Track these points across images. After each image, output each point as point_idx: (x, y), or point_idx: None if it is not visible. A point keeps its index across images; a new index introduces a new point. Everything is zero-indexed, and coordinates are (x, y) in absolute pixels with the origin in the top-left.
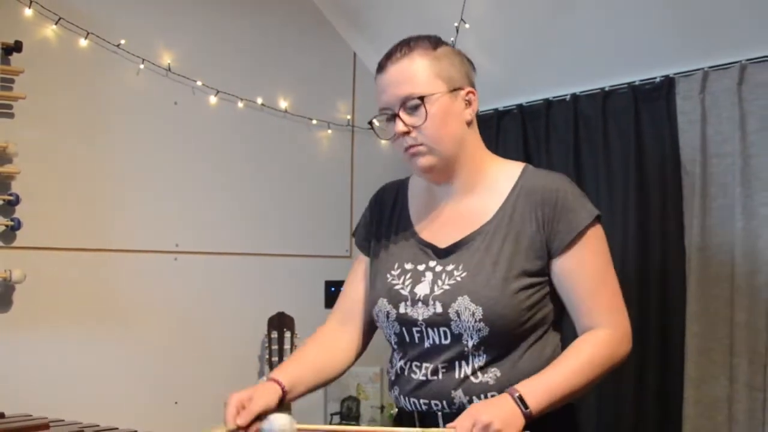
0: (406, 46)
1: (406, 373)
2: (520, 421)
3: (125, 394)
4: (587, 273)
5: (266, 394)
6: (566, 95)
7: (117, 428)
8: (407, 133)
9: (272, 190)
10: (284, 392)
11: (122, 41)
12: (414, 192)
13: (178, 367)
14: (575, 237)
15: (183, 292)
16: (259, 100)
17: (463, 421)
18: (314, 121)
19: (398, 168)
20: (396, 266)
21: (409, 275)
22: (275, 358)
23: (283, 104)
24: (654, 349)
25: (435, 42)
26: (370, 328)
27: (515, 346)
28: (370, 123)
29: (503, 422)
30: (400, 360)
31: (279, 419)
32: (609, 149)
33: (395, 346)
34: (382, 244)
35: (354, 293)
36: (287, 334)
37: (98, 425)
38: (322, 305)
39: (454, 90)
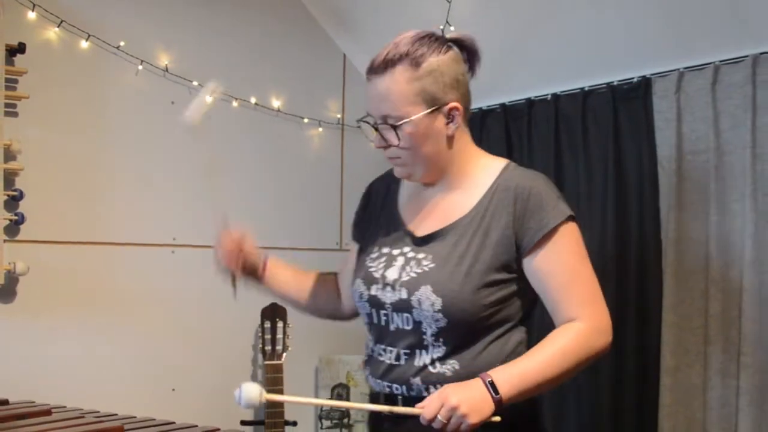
0: (390, 62)
1: (375, 355)
2: (489, 407)
3: (124, 381)
4: (560, 269)
5: (256, 251)
6: (547, 95)
7: (116, 414)
8: (385, 147)
9: (265, 185)
10: (265, 265)
11: (122, 43)
12: (405, 183)
13: (175, 355)
14: (546, 234)
15: (180, 283)
16: (253, 100)
17: (431, 403)
18: (305, 120)
19: (386, 165)
20: (376, 249)
21: (383, 259)
22: (268, 347)
23: (275, 103)
24: (632, 339)
25: (419, 59)
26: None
27: (476, 339)
28: (358, 122)
29: (471, 407)
30: (372, 343)
31: (249, 387)
32: (588, 146)
33: (367, 327)
34: (371, 230)
35: (344, 271)
36: (279, 324)
37: (98, 411)
38: None
39: (434, 110)
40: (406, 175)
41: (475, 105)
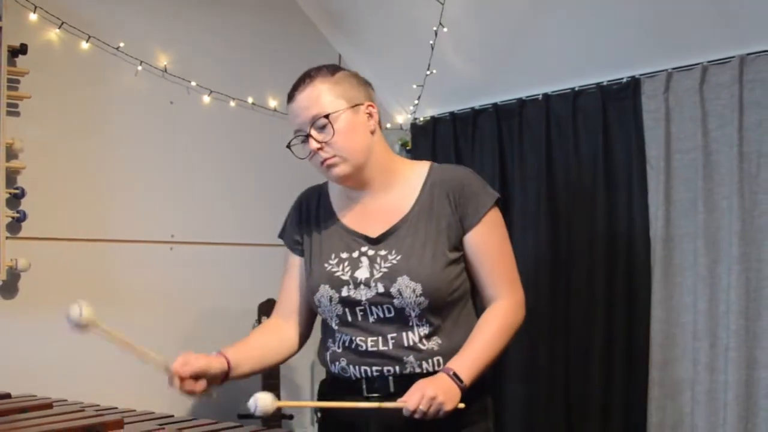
0: (308, 77)
1: (353, 345)
2: (458, 394)
3: (124, 375)
4: (490, 248)
5: (211, 359)
6: (539, 95)
7: (116, 407)
8: (320, 149)
9: (262, 184)
10: (229, 367)
11: (121, 44)
12: (335, 192)
13: (173, 350)
14: (482, 215)
15: (178, 279)
16: (250, 100)
17: (412, 396)
18: None
19: None
20: (333, 256)
21: (347, 263)
22: None
23: (272, 103)
24: (621, 334)
25: (333, 69)
26: (309, 318)
27: (447, 315)
28: (288, 146)
29: (445, 395)
30: (344, 335)
31: (262, 396)
32: (579, 145)
33: (336, 327)
34: (313, 240)
35: (291, 289)
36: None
37: (98, 405)
38: None
39: (355, 106)
40: (342, 173)
41: (467, 105)
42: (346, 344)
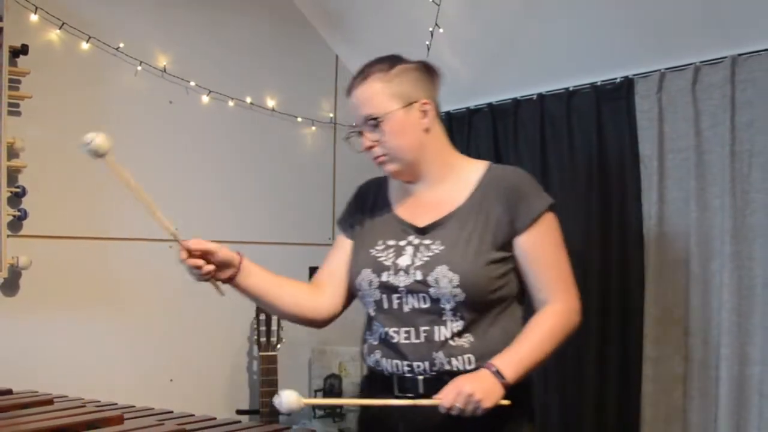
0: (364, 73)
1: (388, 338)
2: (499, 391)
3: (124, 372)
4: (542, 252)
5: (225, 248)
6: (533, 95)
7: (116, 403)
8: (372, 146)
9: (260, 182)
10: (240, 265)
11: (121, 44)
12: (393, 184)
13: (173, 346)
14: (534, 218)
15: (177, 277)
16: (249, 99)
17: (448, 392)
18: (299, 119)
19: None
20: (379, 243)
21: (392, 250)
22: (263, 339)
23: (270, 103)
24: (615, 330)
25: (390, 63)
26: (342, 295)
27: (486, 313)
28: (346, 138)
29: (484, 393)
30: (381, 327)
31: (287, 394)
32: (573, 145)
33: (374, 314)
34: (366, 228)
35: (332, 265)
36: (274, 317)
37: (99, 401)
38: None
39: (408, 105)
40: (394, 169)
41: (462, 105)
42: (382, 337)
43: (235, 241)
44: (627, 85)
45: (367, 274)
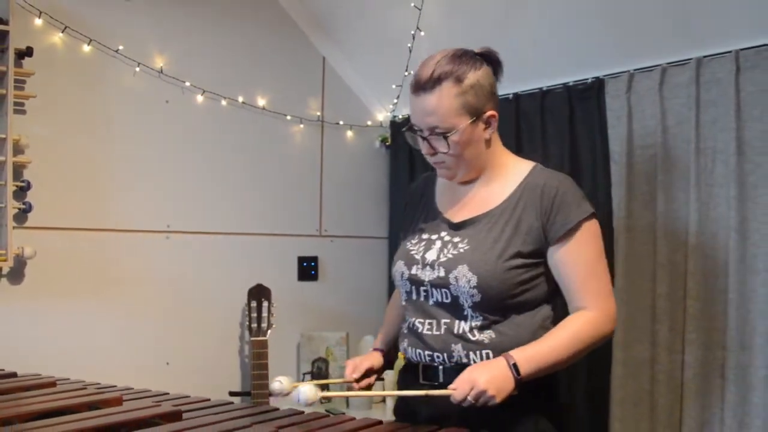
0: (436, 78)
1: (414, 327)
2: (511, 386)
3: (123, 356)
4: (579, 262)
5: (371, 357)
6: (509, 94)
7: (115, 386)
8: (434, 153)
9: (252, 177)
10: (384, 354)
11: (120, 47)
12: (441, 179)
13: (169, 332)
14: (570, 229)
15: (174, 266)
16: (240, 99)
17: (462, 385)
18: (288, 117)
19: (361, 158)
20: (416, 236)
21: (423, 243)
22: (254, 325)
23: (261, 102)
24: None
25: (462, 73)
26: None
27: (508, 313)
28: (406, 130)
29: (497, 389)
30: (410, 317)
31: (305, 389)
32: (546, 142)
33: (405, 303)
34: (413, 222)
35: None
36: (265, 304)
37: (99, 383)
38: (295, 278)
39: (477, 118)
40: (450, 176)
41: None
42: (410, 326)
43: (228, 233)
44: (598, 86)
45: (400, 266)
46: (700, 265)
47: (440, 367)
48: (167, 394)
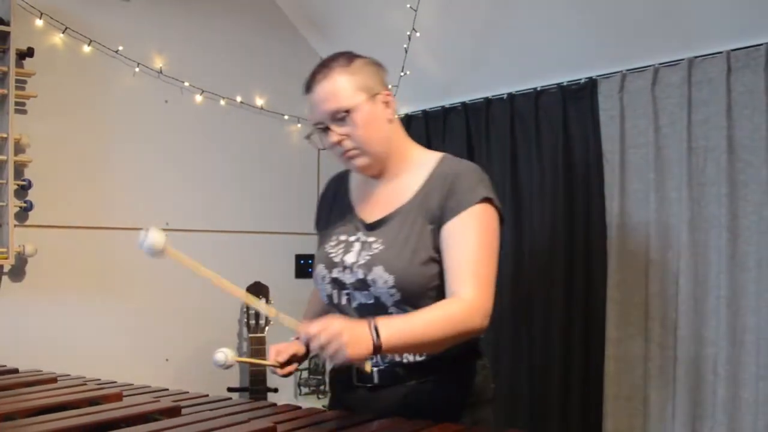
0: (325, 67)
1: None
2: (368, 346)
3: (122, 352)
4: (461, 242)
5: (294, 345)
6: (504, 94)
7: (115, 382)
8: (340, 141)
9: (250, 176)
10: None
11: (120, 48)
12: (354, 178)
13: (168, 328)
14: (460, 211)
15: (173, 264)
16: (239, 99)
17: (316, 324)
18: (286, 117)
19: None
20: (334, 238)
21: (342, 246)
22: (252, 322)
23: (259, 102)
24: (579, 313)
25: (349, 57)
26: None
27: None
28: (308, 137)
29: (352, 338)
30: None
31: (152, 232)
32: (541, 141)
33: (328, 307)
34: (330, 223)
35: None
36: (262, 301)
37: (99, 379)
38: (292, 275)
39: (373, 96)
40: (364, 163)
41: (438, 104)
42: None
43: (226, 231)
44: (591, 86)
45: (321, 270)
46: (692, 262)
47: (375, 368)
48: (167, 389)
